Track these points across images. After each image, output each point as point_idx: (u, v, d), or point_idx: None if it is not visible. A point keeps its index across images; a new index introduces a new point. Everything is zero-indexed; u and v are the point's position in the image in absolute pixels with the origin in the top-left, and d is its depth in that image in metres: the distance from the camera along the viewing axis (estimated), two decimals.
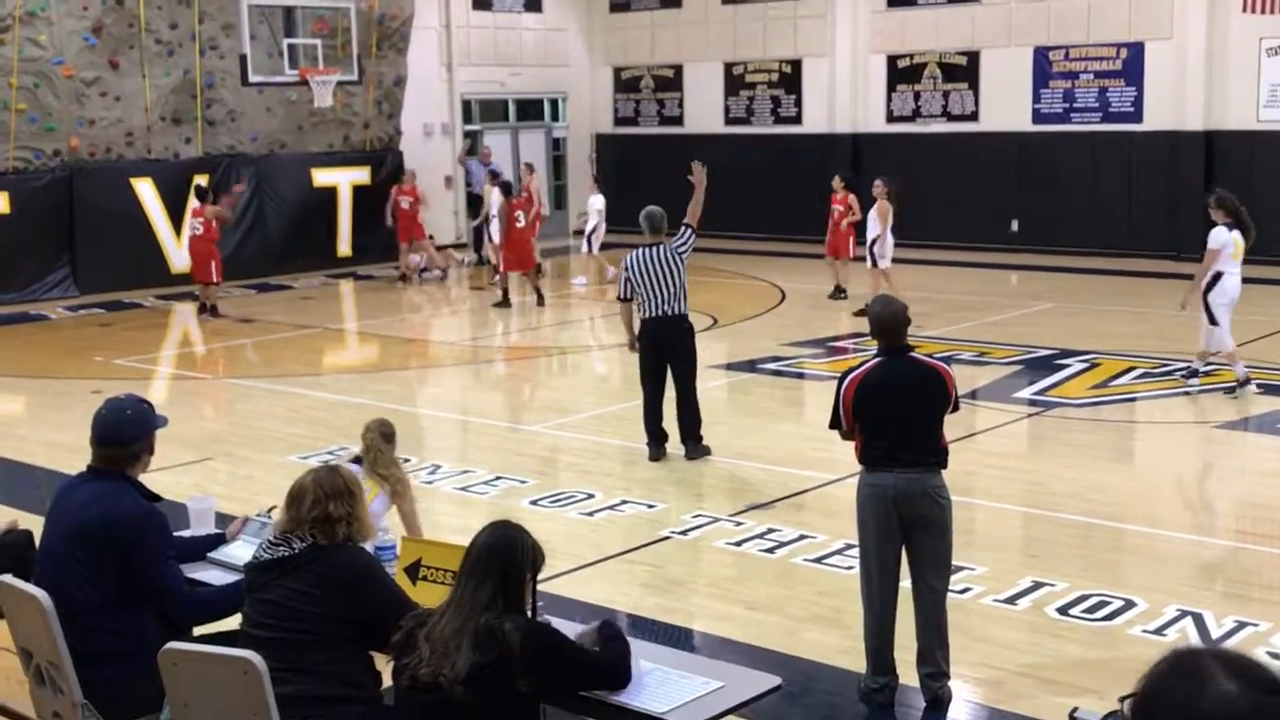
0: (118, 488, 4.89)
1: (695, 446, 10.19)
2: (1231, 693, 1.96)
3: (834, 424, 6.05)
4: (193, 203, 19.00)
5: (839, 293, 17.68)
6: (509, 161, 25.37)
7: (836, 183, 17.55)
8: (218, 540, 5.58)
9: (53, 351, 15.76)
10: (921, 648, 5.97)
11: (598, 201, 20.52)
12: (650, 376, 10.19)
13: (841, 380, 5.99)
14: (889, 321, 5.99)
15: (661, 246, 10.02)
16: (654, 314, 9.99)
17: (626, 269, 10.04)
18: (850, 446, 6.10)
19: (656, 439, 10.21)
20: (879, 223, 16.48)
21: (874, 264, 16.52)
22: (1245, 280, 11.86)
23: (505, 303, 18.12)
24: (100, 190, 19.86)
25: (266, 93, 21.44)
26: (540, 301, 18.15)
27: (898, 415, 5.87)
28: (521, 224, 18.06)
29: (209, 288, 17.82)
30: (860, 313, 16.72)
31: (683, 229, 10.13)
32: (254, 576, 4.47)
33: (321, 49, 20.30)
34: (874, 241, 16.48)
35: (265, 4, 20.23)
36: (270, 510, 5.41)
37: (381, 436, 7.15)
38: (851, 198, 17.54)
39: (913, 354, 6.03)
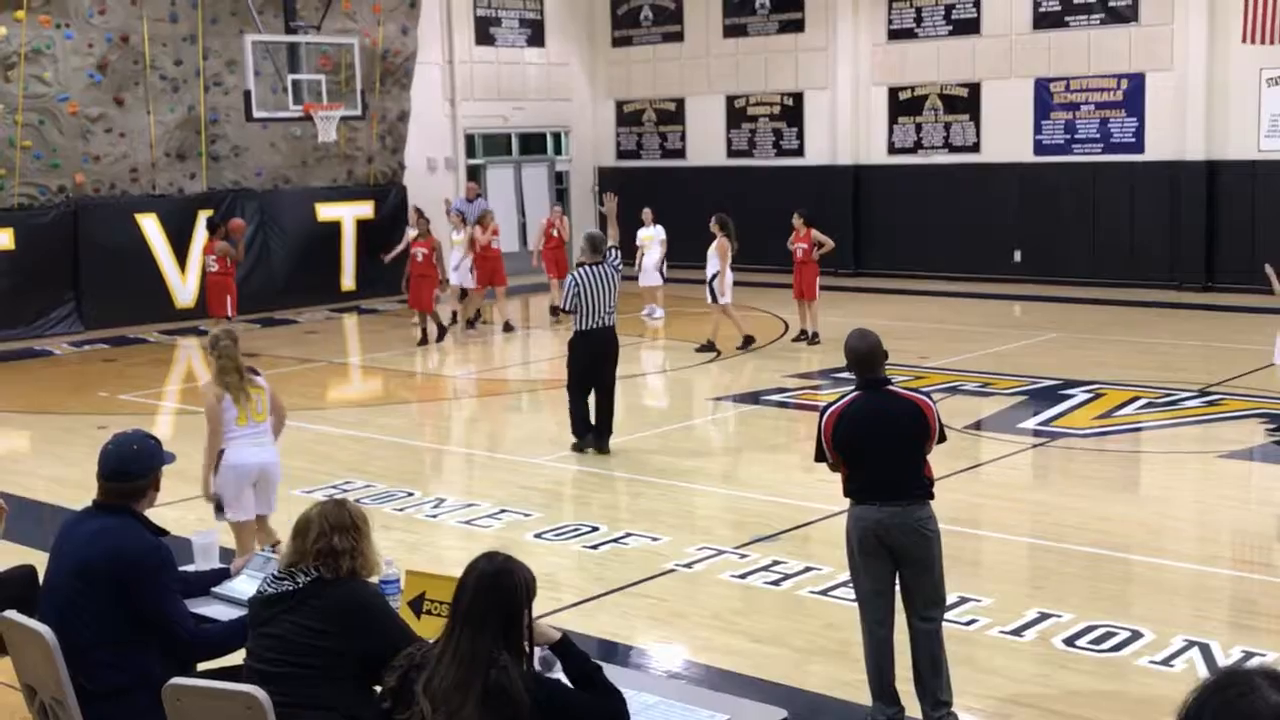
0: (124, 523, 4.89)
1: (607, 440, 11.37)
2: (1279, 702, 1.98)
3: (819, 457, 6.07)
4: (202, 238, 18.99)
5: (810, 337, 16.83)
6: (512, 194, 25.44)
7: (797, 220, 17.11)
8: (222, 575, 5.57)
9: (58, 387, 15.77)
10: (920, 679, 5.97)
11: (660, 232, 19.72)
12: (583, 381, 11.29)
13: (821, 415, 6.01)
14: (864, 355, 6.00)
15: (603, 265, 11.04)
16: (593, 325, 11.06)
17: (574, 284, 11.01)
18: None
19: (586, 432, 11.36)
20: (718, 259, 16.44)
21: (714, 299, 16.52)
22: (1248, 310, 11.86)
23: (424, 340, 18.02)
24: (105, 226, 19.92)
25: (271, 128, 21.54)
26: (440, 338, 18.15)
27: (877, 449, 5.88)
28: (419, 260, 17.80)
29: (222, 324, 17.78)
30: (703, 348, 16.50)
31: (611, 250, 11.22)
32: (258, 611, 4.46)
33: (325, 84, 20.35)
34: (713, 277, 16.44)
35: (269, 40, 20.32)
36: (274, 545, 5.40)
37: (235, 343, 7.51)
38: (815, 233, 17.06)
39: (891, 387, 6.04)
